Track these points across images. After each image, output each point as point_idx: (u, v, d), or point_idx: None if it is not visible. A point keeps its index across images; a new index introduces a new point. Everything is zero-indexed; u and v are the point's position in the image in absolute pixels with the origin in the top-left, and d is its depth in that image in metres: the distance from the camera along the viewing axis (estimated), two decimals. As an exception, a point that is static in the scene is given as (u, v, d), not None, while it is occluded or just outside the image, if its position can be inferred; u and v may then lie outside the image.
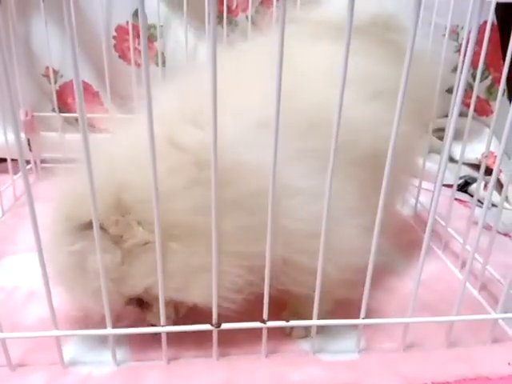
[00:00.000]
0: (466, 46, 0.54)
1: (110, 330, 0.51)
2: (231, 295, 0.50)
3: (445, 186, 0.62)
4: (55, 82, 1.09)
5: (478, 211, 0.76)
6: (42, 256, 0.46)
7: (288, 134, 0.49)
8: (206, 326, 0.52)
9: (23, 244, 0.80)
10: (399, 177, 0.74)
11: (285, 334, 0.59)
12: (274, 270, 0.50)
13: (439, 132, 1.07)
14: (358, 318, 0.55)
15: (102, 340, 0.55)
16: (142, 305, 0.54)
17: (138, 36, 1.09)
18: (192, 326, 0.52)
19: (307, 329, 0.58)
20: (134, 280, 0.49)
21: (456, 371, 0.55)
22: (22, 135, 1.03)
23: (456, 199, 0.91)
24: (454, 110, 0.47)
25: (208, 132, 0.42)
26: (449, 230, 0.82)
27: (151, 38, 1.08)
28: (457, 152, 1.06)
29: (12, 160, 0.95)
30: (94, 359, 0.55)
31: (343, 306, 0.59)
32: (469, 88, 1.00)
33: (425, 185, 0.95)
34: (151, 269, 0.47)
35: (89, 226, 0.45)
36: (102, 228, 0.47)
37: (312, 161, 0.52)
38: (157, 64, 1.08)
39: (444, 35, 0.82)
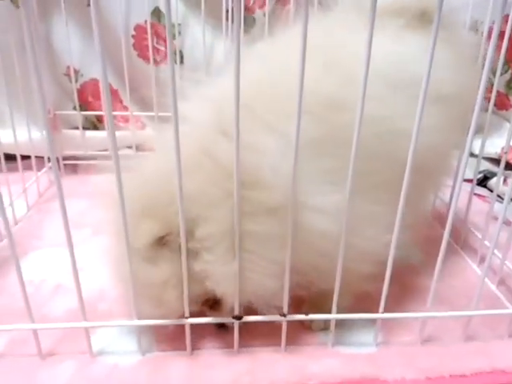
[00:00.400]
0: (488, 41, 0.54)
1: (136, 322, 0.53)
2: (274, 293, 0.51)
3: (464, 180, 0.63)
4: (76, 81, 1.11)
5: (497, 206, 0.76)
6: (73, 250, 0.48)
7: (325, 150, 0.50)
8: (228, 319, 0.53)
9: (48, 239, 0.83)
10: (436, 178, 0.74)
11: (304, 327, 0.60)
12: (300, 270, 0.51)
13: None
14: (376, 311, 0.56)
15: (128, 330, 0.57)
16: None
17: (157, 35, 1.11)
18: (214, 318, 0.54)
19: (327, 321, 0.59)
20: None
21: (473, 364, 0.55)
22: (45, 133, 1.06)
23: (475, 194, 0.91)
24: (476, 104, 0.47)
25: (244, 148, 0.43)
26: (468, 225, 0.82)
27: (169, 37, 1.10)
28: (476, 146, 1.06)
29: (35, 157, 0.98)
30: (120, 349, 0.56)
31: (361, 299, 0.59)
32: (488, 82, 1.00)
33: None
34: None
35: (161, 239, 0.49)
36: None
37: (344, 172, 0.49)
38: (175, 62, 1.10)
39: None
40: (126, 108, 1.16)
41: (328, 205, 0.50)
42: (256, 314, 0.53)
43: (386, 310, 0.56)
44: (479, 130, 0.71)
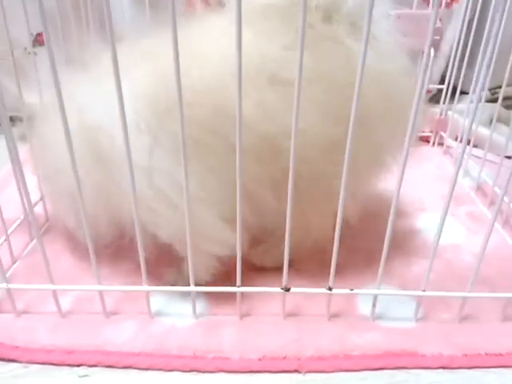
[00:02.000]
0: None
1: (192, 288, 0.57)
2: None
3: (507, 157, 0.61)
4: (126, 46, 1.13)
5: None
6: (138, 216, 0.51)
7: None
8: (277, 289, 0.57)
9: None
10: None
11: (346, 301, 0.63)
12: None
13: (507, 101, 1.04)
14: (417, 289, 0.58)
15: (184, 294, 0.62)
16: None
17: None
18: (263, 287, 0.58)
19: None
20: None
21: (509, 344, 0.57)
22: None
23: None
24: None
25: None
26: (511, 205, 0.82)
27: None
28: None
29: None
30: (176, 311, 0.61)
31: (404, 276, 0.61)
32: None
33: (488, 156, 0.94)
34: None
35: None
36: None
37: None
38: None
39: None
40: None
41: None
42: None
43: (427, 287, 0.58)
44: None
